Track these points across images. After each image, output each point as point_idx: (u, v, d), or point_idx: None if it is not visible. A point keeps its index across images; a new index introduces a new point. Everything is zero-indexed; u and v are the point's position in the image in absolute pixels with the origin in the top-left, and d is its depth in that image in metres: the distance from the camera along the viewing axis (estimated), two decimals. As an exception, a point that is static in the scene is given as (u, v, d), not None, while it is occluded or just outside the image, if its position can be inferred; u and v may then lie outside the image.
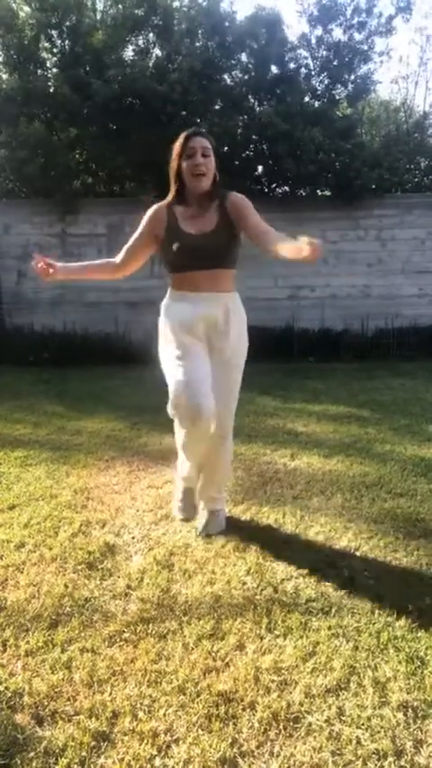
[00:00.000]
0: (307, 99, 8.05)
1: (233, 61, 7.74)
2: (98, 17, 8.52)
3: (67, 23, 7.41)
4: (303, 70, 8.09)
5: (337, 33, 8.14)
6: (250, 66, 7.78)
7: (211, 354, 2.33)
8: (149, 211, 2.36)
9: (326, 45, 8.08)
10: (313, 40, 8.11)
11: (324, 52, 8.09)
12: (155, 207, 2.37)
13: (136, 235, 2.39)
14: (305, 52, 8.13)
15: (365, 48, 8.12)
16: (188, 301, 2.30)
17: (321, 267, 8.07)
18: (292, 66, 7.93)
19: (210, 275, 2.28)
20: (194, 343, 2.30)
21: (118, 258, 2.43)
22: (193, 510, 2.57)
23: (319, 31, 8.10)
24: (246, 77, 7.81)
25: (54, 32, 7.56)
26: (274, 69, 7.85)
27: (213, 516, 2.56)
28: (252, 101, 7.88)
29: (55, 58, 7.78)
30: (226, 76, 7.64)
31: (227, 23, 7.49)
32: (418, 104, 12.28)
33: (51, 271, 2.40)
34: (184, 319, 2.29)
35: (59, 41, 7.65)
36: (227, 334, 2.33)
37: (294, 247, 1.91)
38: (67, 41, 7.58)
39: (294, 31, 9.81)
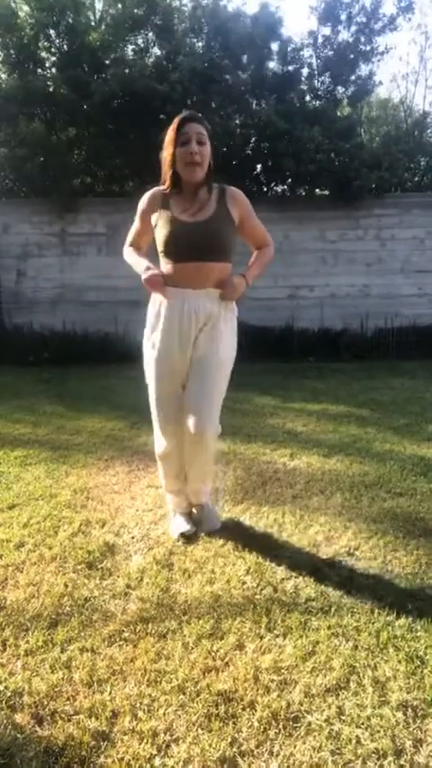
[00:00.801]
0: (308, 99, 8.04)
1: (235, 61, 7.73)
2: (97, 16, 8.52)
3: (64, 23, 7.39)
4: (306, 70, 8.08)
5: (343, 34, 8.13)
6: (252, 65, 7.78)
7: (194, 352, 2.28)
8: (145, 195, 2.30)
9: (330, 45, 8.07)
10: (320, 39, 8.10)
11: (329, 52, 8.08)
12: (151, 191, 2.30)
13: (136, 222, 2.35)
14: (309, 51, 8.13)
15: (368, 48, 8.11)
16: (180, 298, 2.22)
17: (320, 267, 8.07)
18: (293, 66, 7.92)
19: (204, 267, 2.19)
20: (177, 362, 2.27)
21: (130, 244, 2.40)
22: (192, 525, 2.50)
23: (326, 30, 8.09)
24: (246, 77, 7.81)
25: (52, 32, 7.56)
26: (275, 69, 7.84)
27: (202, 510, 2.53)
28: (252, 100, 7.88)
29: (54, 58, 7.78)
30: (227, 76, 7.64)
31: (230, 24, 7.48)
32: (418, 103, 12.29)
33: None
34: (173, 321, 2.23)
35: (57, 41, 7.65)
36: (214, 334, 2.26)
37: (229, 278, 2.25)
38: (65, 41, 7.57)
39: (298, 30, 9.75)
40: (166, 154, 2.20)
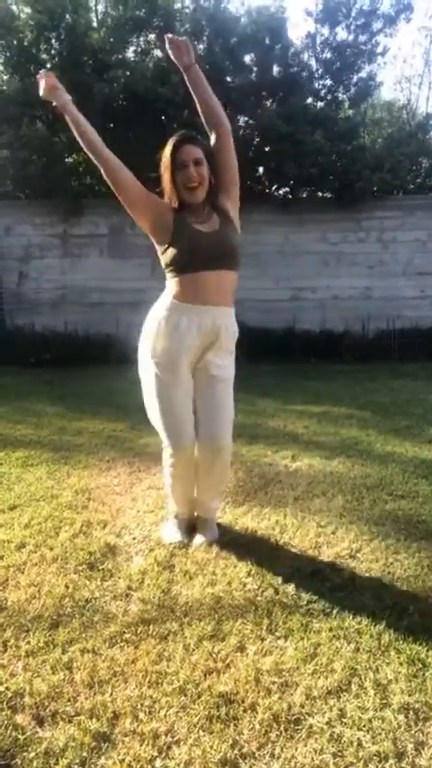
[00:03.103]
0: (309, 100, 8.05)
1: (237, 63, 7.74)
2: (99, 18, 8.53)
3: (64, 25, 7.39)
4: (305, 73, 8.08)
5: (342, 35, 8.15)
6: (254, 68, 7.78)
7: (201, 369, 2.27)
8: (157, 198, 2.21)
9: (330, 46, 8.08)
10: (318, 41, 8.11)
11: (328, 54, 8.09)
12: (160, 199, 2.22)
13: (144, 190, 2.18)
14: (309, 53, 8.14)
15: (368, 48, 8.12)
16: (192, 314, 2.17)
17: (323, 269, 8.07)
18: (295, 68, 7.93)
19: (219, 277, 2.17)
20: (182, 376, 2.24)
21: (126, 170, 2.17)
22: (187, 534, 2.48)
23: (324, 31, 8.10)
24: (249, 79, 7.82)
25: (53, 34, 7.56)
26: (277, 71, 7.85)
27: (207, 524, 2.48)
28: (255, 102, 7.89)
29: (55, 60, 7.78)
30: (229, 78, 7.64)
31: (231, 26, 7.48)
32: (421, 106, 12.26)
33: (55, 86, 2.10)
34: (182, 337, 2.17)
35: (57, 43, 7.64)
36: (222, 351, 2.27)
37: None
38: (65, 43, 7.57)
39: (300, 31, 9.69)
40: (166, 177, 2.17)
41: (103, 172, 2.19)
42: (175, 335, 2.19)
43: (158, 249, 2.25)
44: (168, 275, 2.23)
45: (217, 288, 2.18)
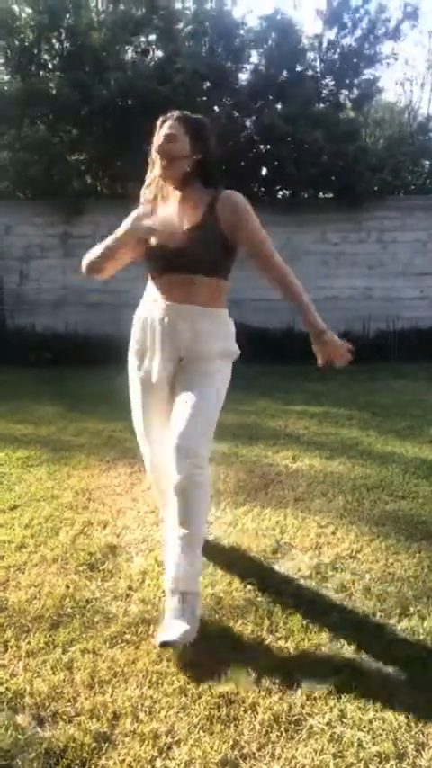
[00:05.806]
0: (312, 102, 8.06)
1: (239, 64, 7.74)
2: (99, 18, 8.54)
3: (64, 25, 7.39)
4: (309, 72, 8.08)
5: (348, 38, 8.12)
6: (257, 68, 7.78)
7: (179, 375, 1.95)
8: (133, 212, 2.01)
9: (335, 49, 8.07)
10: (324, 43, 8.10)
11: (332, 56, 8.08)
12: (135, 212, 2.02)
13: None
14: (314, 55, 8.12)
15: (372, 52, 8.11)
16: (157, 308, 1.95)
17: (322, 269, 8.07)
18: (298, 69, 7.92)
19: (182, 281, 1.90)
20: (156, 388, 1.96)
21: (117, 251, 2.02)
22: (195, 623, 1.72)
23: (331, 34, 8.09)
24: (252, 80, 7.82)
25: (54, 34, 7.56)
26: (282, 72, 7.83)
27: (185, 603, 1.72)
28: (257, 103, 7.89)
29: (56, 60, 7.79)
30: (231, 79, 7.65)
31: (235, 28, 7.49)
32: (422, 107, 12.24)
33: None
34: (145, 336, 1.97)
35: (58, 44, 7.65)
36: (202, 356, 1.93)
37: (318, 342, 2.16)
38: (66, 43, 7.58)
39: (304, 33, 9.32)
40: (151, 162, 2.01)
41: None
42: (140, 334, 2.00)
43: None
44: None
45: (179, 289, 1.92)
